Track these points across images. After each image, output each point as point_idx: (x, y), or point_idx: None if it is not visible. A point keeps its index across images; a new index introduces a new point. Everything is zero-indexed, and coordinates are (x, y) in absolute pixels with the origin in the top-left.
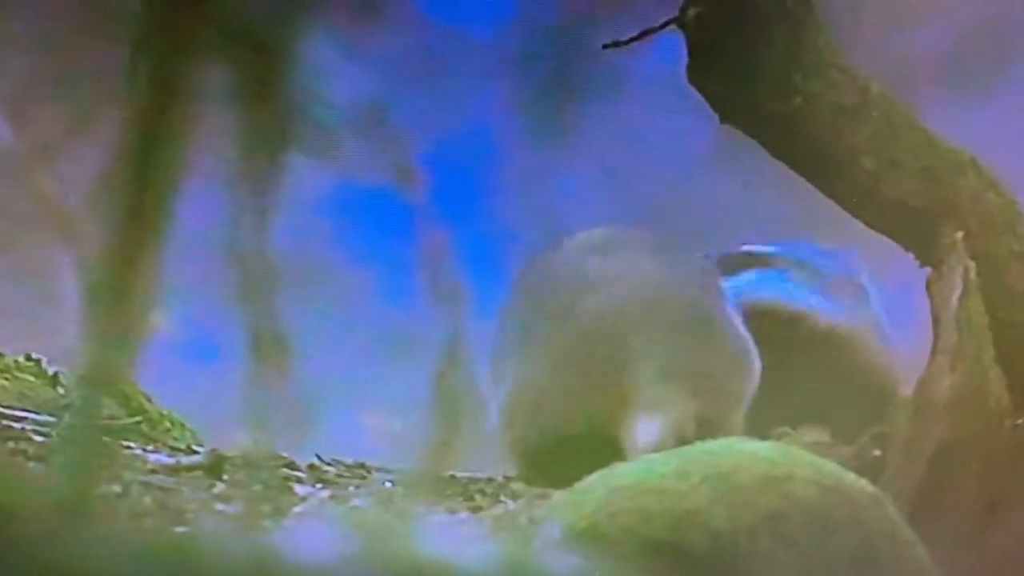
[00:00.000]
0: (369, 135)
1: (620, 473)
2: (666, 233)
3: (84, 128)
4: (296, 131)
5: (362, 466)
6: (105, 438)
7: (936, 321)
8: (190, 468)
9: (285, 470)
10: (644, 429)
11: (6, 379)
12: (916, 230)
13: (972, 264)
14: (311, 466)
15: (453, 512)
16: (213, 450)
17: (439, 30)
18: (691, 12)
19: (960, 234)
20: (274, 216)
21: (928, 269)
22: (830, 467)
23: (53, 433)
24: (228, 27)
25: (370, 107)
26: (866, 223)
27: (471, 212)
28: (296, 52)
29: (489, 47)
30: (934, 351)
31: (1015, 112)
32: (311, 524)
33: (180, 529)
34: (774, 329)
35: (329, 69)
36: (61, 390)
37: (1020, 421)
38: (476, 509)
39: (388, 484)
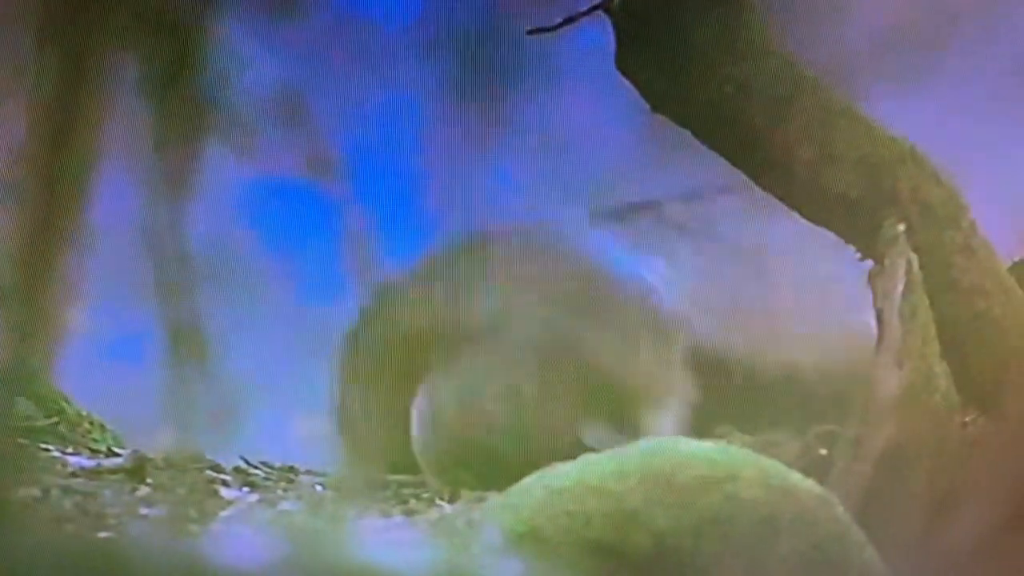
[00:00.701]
0: (288, 125)
1: (558, 474)
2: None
3: None
4: (212, 121)
5: (291, 469)
6: (21, 440)
7: (880, 316)
8: (112, 471)
9: (211, 473)
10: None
11: None
12: (856, 222)
13: (915, 257)
14: (237, 469)
15: (387, 516)
16: (135, 452)
17: (359, 17)
18: None
19: (902, 226)
20: (191, 209)
21: (870, 262)
22: (775, 467)
23: None
24: (140, 13)
25: (288, 97)
26: (804, 215)
27: (394, 203)
28: (210, 40)
29: (410, 32)
30: (879, 347)
31: (950, 101)
32: (238, 529)
33: (103, 534)
34: None
35: (245, 58)
36: None
37: (968, 419)
38: (411, 513)
39: (318, 487)
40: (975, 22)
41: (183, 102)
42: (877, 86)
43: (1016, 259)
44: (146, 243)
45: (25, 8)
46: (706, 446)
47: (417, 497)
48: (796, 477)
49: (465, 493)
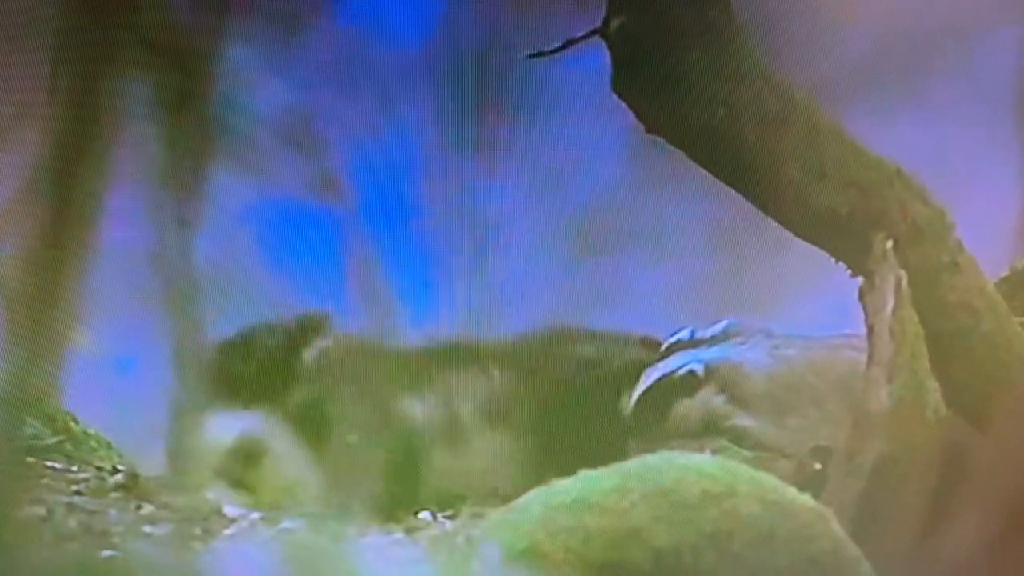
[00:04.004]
0: (294, 147)
1: (559, 490)
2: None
3: (3, 141)
4: (220, 144)
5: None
6: (28, 459)
7: (870, 331)
8: (116, 489)
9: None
10: None
11: None
12: (846, 240)
13: (903, 274)
14: None
15: (388, 533)
16: (140, 471)
17: (365, 43)
18: (613, 23)
19: (890, 243)
20: (199, 231)
21: (860, 279)
22: (771, 482)
23: None
24: (150, 38)
25: (295, 119)
26: (796, 233)
27: (397, 224)
28: (219, 64)
29: (413, 59)
30: (870, 362)
31: (932, 124)
32: (241, 547)
33: (107, 553)
34: None
35: (253, 81)
36: None
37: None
38: (411, 530)
39: (320, 504)
40: (954, 49)
41: (192, 126)
42: (862, 109)
43: (1001, 275)
44: (154, 264)
45: (39, 35)
46: (705, 460)
47: (416, 512)
48: (792, 492)
49: (464, 509)
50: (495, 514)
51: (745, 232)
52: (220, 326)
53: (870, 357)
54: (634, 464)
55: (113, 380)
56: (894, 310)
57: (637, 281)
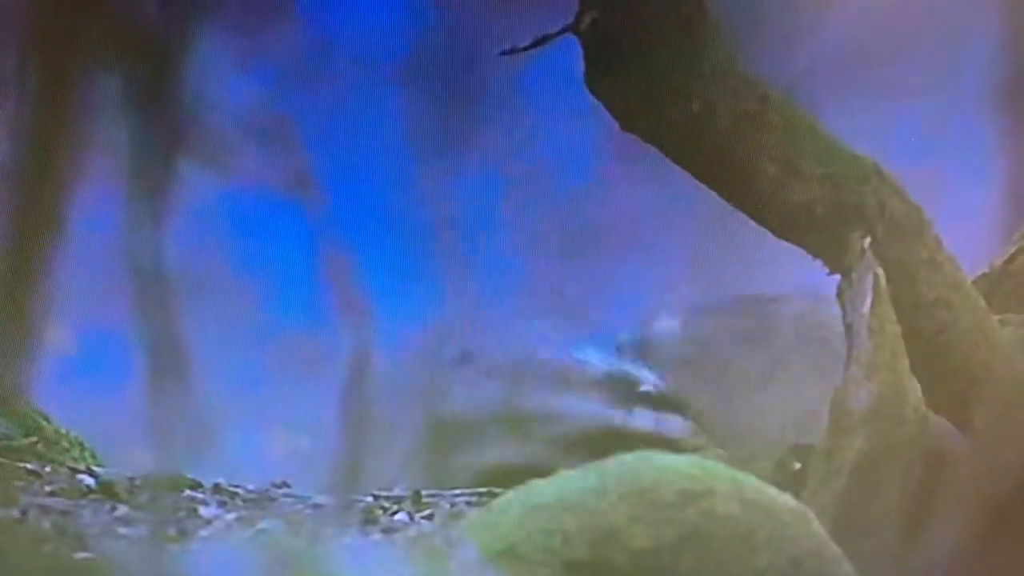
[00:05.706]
0: (266, 145)
1: (537, 491)
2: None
3: None
4: (193, 139)
5: (272, 486)
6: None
7: (848, 329)
8: (91, 490)
9: (189, 492)
10: None
11: None
12: (823, 237)
13: (881, 271)
14: (216, 487)
15: (365, 534)
16: (114, 471)
17: (338, 40)
18: (586, 19)
19: (867, 241)
20: (170, 227)
21: (838, 277)
22: (751, 481)
23: None
24: (119, 33)
25: (267, 116)
26: (773, 231)
27: (374, 223)
28: (189, 58)
29: (388, 57)
30: (848, 361)
31: (911, 115)
32: (218, 548)
33: (82, 555)
34: None
35: (224, 76)
36: None
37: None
38: (389, 531)
39: (297, 506)
40: (934, 40)
41: (164, 120)
42: (838, 104)
43: (980, 273)
44: (126, 262)
45: (6, 29)
46: (683, 460)
47: (384, 510)
48: (772, 491)
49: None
50: (473, 515)
51: (725, 226)
52: (192, 322)
53: (848, 355)
54: (612, 464)
55: (85, 378)
56: (872, 308)
57: (617, 279)
